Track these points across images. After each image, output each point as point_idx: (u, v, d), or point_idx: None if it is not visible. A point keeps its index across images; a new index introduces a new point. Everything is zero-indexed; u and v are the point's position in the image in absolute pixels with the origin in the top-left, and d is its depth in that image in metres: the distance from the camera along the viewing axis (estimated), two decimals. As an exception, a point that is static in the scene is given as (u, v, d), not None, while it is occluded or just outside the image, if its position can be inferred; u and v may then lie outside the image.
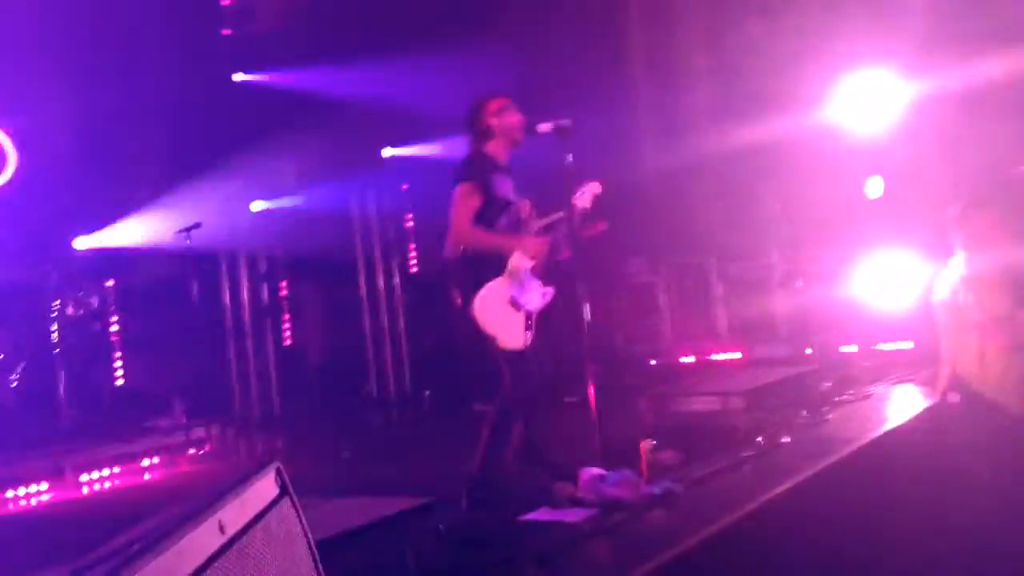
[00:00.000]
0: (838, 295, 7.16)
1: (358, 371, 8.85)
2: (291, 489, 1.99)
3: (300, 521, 1.99)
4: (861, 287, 7.14)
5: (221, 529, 1.59)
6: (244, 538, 1.66)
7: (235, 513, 1.66)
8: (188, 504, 1.73)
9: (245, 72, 9.06)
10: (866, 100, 7.66)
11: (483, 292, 4.56)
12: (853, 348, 7.31)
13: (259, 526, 1.75)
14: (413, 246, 9.57)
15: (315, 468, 5.97)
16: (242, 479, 1.79)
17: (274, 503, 1.88)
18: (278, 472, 1.97)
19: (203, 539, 1.53)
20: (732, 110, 8.05)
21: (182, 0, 8.52)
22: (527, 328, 4.63)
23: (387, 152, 9.41)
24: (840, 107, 7.71)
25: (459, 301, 4.65)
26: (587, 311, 4.86)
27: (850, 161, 7.53)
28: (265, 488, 1.87)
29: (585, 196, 4.79)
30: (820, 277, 7.32)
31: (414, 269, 9.46)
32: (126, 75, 7.82)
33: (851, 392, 6.03)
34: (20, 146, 7.39)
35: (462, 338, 4.94)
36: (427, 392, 8.62)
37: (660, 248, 8.71)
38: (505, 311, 4.60)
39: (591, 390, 4.73)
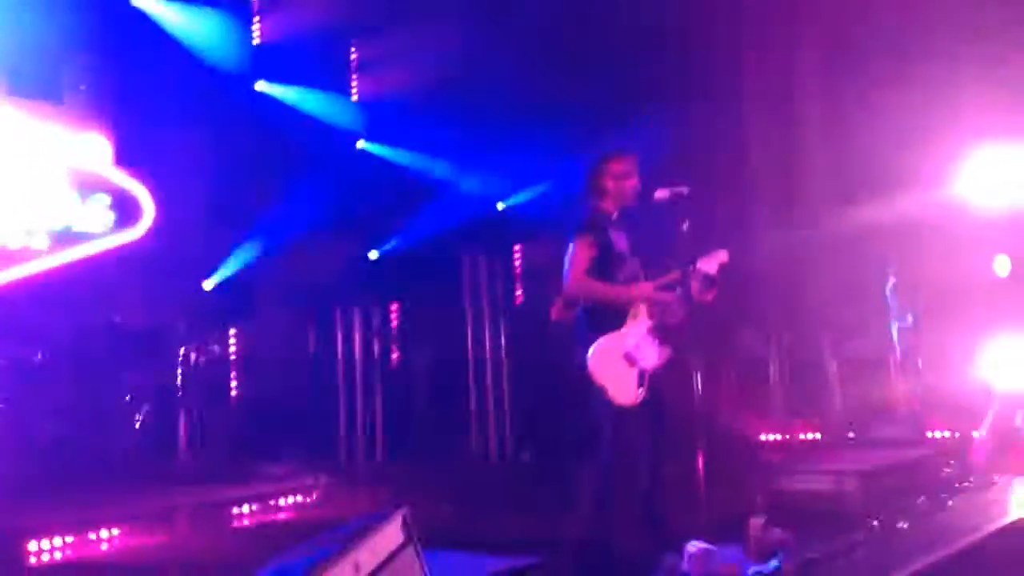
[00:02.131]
0: (961, 377, 6.88)
1: (461, 426, 8.92)
2: (415, 537, 2.04)
3: (422, 569, 2.02)
4: (986, 370, 6.87)
5: (356, 569, 1.63)
6: (375, 580, 1.71)
7: (368, 555, 1.70)
8: (320, 542, 1.78)
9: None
10: (994, 175, 7.45)
11: (599, 344, 4.58)
12: (982, 433, 6.99)
13: (388, 569, 1.79)
14: (520, 294, 9.71)
15: (416, 521, 5.99)
16: (373, 522, 1.84)
17: (400, 548, 1.93)
18: (404, 520, 2.01)
19: (340, 577, 1.58)
20: (853, 184, 7.94)
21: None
22: (640, 385, 4.60)
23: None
24: (967, 182, 7.52)
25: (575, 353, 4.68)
26: (698, 381, 4.81)
27: (977, 238, 7.30)
28: (392, 533, 1.92)
29: (712, 263, 4.77)
30: (942, 358, 7.07)
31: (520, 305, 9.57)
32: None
33: (972, 479, 5.78)
34: (156, 196, 7.81)
35: (569, 393, 4.95)
36: (526, 454, 8.64)
37: (773, 322, 8.57)
38: (619, 365, 4.60)
39: (700, 461, 4.66)
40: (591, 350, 4.56)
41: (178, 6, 8.08)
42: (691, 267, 4.76)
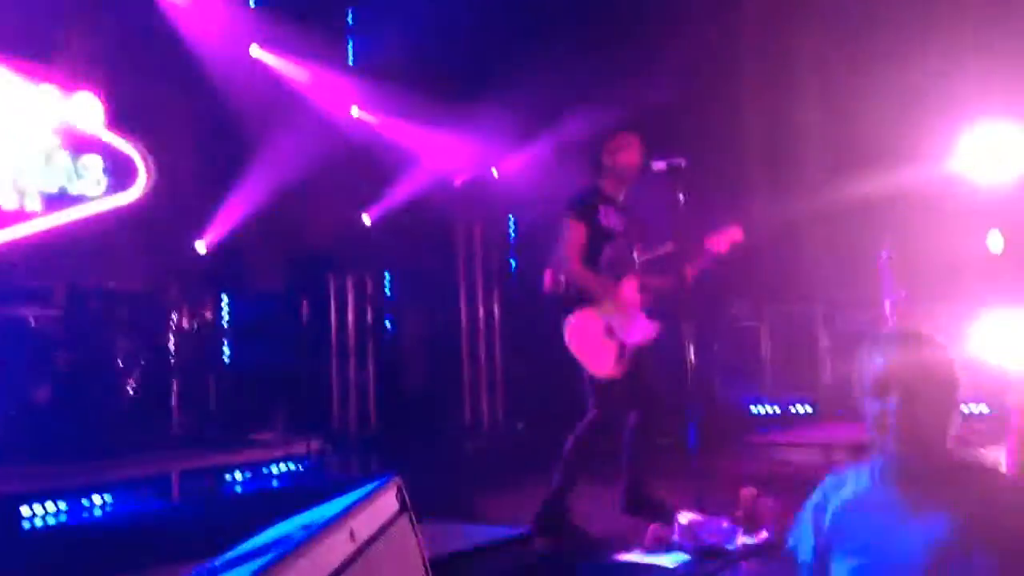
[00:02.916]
0: (954, 352, 6.89)
1: (454, 396, 8.94)
2: (410, 506, 2.04)
3: (417, 538, 2.03)
4: (978, 345, 6.89)
5: (352, 536, 1.64)
6: (370, 548, 1.71)
7: (364, 522, 1.71)
8: (315, 510, 1.79)
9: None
10: (989, 152, 7.45)
11: (575, 317, 4.62)
12: (982, 408, 7.02)
13: (383, 538, 1.80)
14: (513, 265, 9.72)
15: (408, 490, 6.03)
16: (368, 491, 1.85)
17: (395, 518, 1.93)
18: (399, 488, 2.02)
19: (337, 545, 1.58)
20: (849, 157, 7.93)
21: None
22: (619, 358, 4.64)
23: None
24: (962, 159, 7.52)
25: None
26: (691, 352, 4.83)
27: (971, 214, 7.31)
28: (387, 502, 1.93)
29: (722, 241, 4.82)
30: (935, 333, 7.08)
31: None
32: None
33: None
34: (149, 157, 7.74)
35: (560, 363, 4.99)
36: (520, 425, 8.67)
37: (765, 293, 8.59)
38: (598, 339, 4.64)
39: (691, 433, 4.69)
40: (568, 322, 4.61)
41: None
42: (695, 244, 4.81)
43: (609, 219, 4.84)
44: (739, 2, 9.05)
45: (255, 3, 8.83)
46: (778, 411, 8.34)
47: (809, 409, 8.31)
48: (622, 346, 4.66)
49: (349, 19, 9.81)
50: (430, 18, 8.74)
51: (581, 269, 4.70)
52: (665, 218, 4.94)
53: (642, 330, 4.77)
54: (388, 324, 9.08)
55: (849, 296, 8.20)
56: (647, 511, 4.69)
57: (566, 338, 4.66)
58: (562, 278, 4.87)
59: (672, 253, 4.93)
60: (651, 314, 4.86)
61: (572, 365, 4.73)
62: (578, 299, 4.70)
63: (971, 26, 7.67)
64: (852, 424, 6.84)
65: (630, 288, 4.77)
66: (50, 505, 5.29)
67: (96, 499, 5.55)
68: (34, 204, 6.96)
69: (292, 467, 6.86)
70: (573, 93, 8.42)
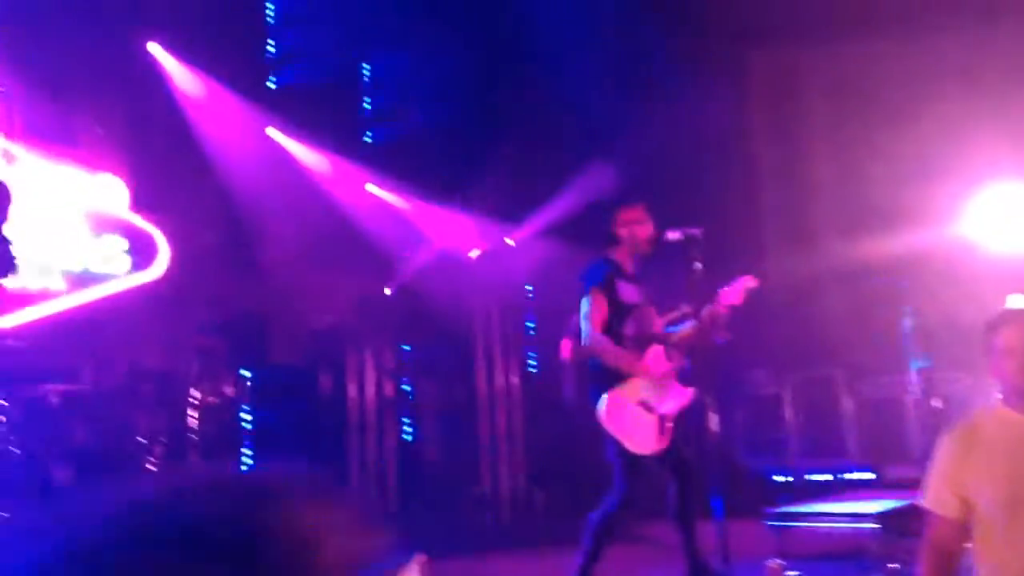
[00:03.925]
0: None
1: (473, 469, 8.86)
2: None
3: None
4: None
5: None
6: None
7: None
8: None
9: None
10: (1002, 214, 7.45)
11: (611, 394, 4.56)
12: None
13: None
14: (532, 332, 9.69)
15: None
16: (392, 566, 1.84)
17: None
18: (422, 565, 2.01)
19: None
20: (865, 222, 7.95)
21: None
22: (661, 432, 4.56)
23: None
24: (977, 221, 7.51)
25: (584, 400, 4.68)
26: (713, 421, 4.79)
27: (990, 278, 7.28)
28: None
29: (737, 291, 4.76)
30: (960, 397, 7.01)
31: (532, 361, 9.53)
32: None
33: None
34: (170, 238, 7.87)
35: (582, 439, 4.94)
36: (541, 495, 8.56)
37: (786, 360, 8.53)
38: (635, 413, 4.57)
39: (717, 505, 4.62)
40: (602, 401, 4.54)
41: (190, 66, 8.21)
42: (711, 306, 4.77)
43: (627, 293, 4.84)
44: (749, 64, 9.19)
45: (275, 85, 9.06)
46: (802, 480, 8.20)
47: (831, 478, 8.17)
48: (662, 418, 4.59)
49: (365, 104, 10.02)
50: (441, 94, 8.93)
51: (607, 342, 4.67)
52: (681, 286, 4.94)
53: (678, 397, 4.71)
54: (407, 395, 9.07)
55: (872, 360, 8.12)
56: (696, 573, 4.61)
57: (603, 420, 4.56)
58: (585, 351, 4.84)
59: (688, 314, 4.91)
60: (684, 380, 4.82)
61: (592, 434, 4.68)
62: (608, 377, 4.65)
63: (983, 89, 7.74)
64: (878, 492, 6.73)
65: (657, 357, 4.73)
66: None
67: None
68: (58, 283, 7.07)
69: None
70: (593, 154, 8.50)
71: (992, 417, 2.82)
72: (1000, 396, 2.83)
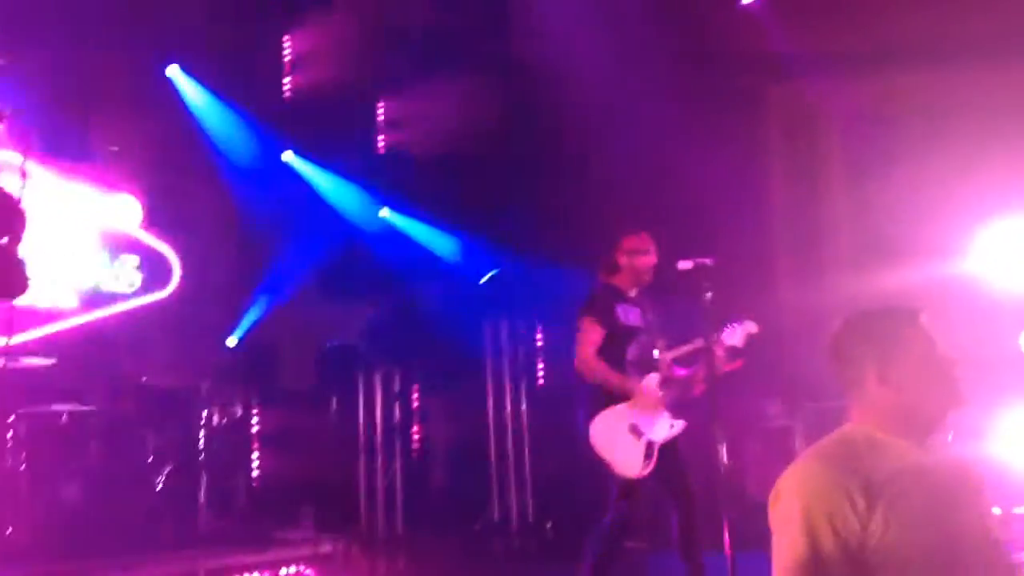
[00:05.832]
0: (983, 452, 6.76)
1: (482, 494, 8.83)
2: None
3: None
4: (1007, 446, 6.76)
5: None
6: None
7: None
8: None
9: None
10: (1010, 251, 7.43)
11: (601, 416, 4.60)
12: (995, 511, 6.84)
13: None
14: (542, 365, 9.65)
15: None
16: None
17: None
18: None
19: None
20: (878, 254, 7.93)
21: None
22: (646, 457, 4.58)
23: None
24: (989, 257, 7.50)
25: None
26: (723, 453, 4.77)
27: (999, 314, 7.26)
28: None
29: (737, 334, 4.77)
30: (967, 432, 6.95)
31: (541, 382, 9.50)
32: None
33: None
34: (183, 257, 7.91)
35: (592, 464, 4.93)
36: (549, 523, 8.51)
37: (798, 391, 8.48)
38: (624, 437, 4.59)
39: (726, 537, 4.59)
40: (593, 423, 4.58)
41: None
42: (714, 339, 4.76)
43: (628, 317, 4.85)
44: (765, 99, 9.20)
45: (290, 107, 9.13)
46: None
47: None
48: (649, 445, 4.61)
49: (380, 142, 10.07)
50: (455, 117, 8.98)
51: (597, 364, 4.69)
52: (692, 315, 4.93)
53: (668, 427, 4.73)
54: (415, 419, 9.07)
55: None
56: None
57: (592, 438, 4.62)
58: (579, 375, 4.86)
59: (701, 349, 4.90)
60: (677, 410, 4.82)
61: (601, 462, 4.67)
62: (602, 400, 4.67)
63: (997, 125, 7.73)
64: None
65: (651, 384, 4.74)
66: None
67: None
68: (70, 301, 7.09)
69: (320, 567, 6.76)
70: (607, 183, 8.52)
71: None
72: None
